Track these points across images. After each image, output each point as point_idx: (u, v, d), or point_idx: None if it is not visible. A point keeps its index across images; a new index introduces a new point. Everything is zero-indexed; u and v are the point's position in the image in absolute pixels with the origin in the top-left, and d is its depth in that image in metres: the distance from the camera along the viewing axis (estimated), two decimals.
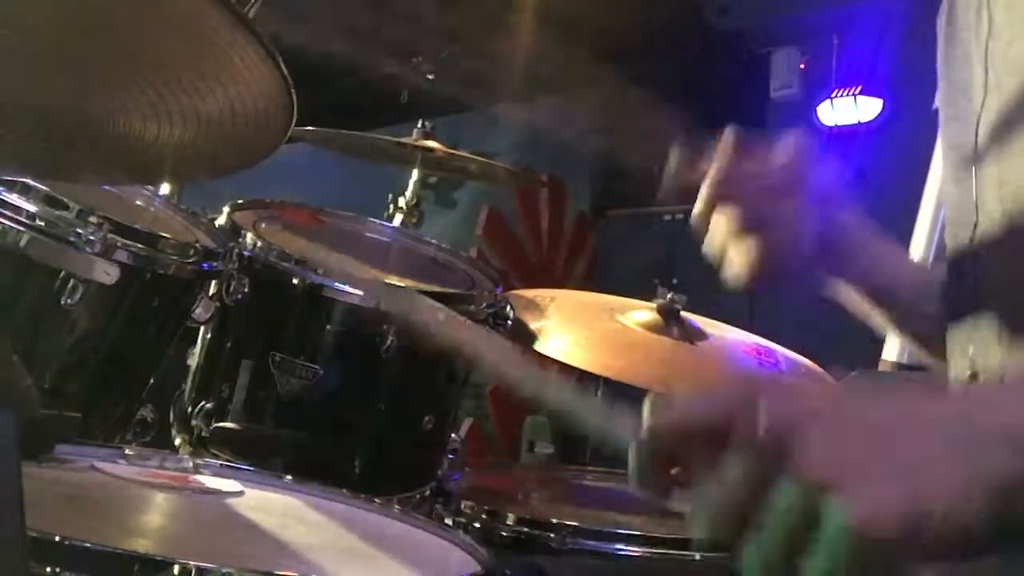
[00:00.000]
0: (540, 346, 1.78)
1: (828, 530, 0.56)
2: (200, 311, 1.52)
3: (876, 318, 1.13)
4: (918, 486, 0.56)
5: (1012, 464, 0.57)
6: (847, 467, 0.57)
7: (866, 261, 1.09)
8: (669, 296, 1.83)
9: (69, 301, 1.34)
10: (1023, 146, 0.88)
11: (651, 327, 1.83)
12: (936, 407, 0.63)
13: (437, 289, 1.67)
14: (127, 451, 1.25)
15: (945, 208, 1.02)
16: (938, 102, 1.03)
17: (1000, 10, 0.92)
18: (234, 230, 1.62)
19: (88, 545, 0.86)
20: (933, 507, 0.56)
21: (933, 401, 0.64)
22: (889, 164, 4.16)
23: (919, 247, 3.05)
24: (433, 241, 1.93)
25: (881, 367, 3.01)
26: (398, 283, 1.61)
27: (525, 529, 1.49)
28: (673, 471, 0.64)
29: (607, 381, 1.91)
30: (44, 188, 1.31)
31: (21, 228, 1.30)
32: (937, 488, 0.56)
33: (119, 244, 1.36)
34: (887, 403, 0.63)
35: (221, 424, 1.57)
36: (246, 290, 1.56)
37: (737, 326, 2.02)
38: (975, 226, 0.92)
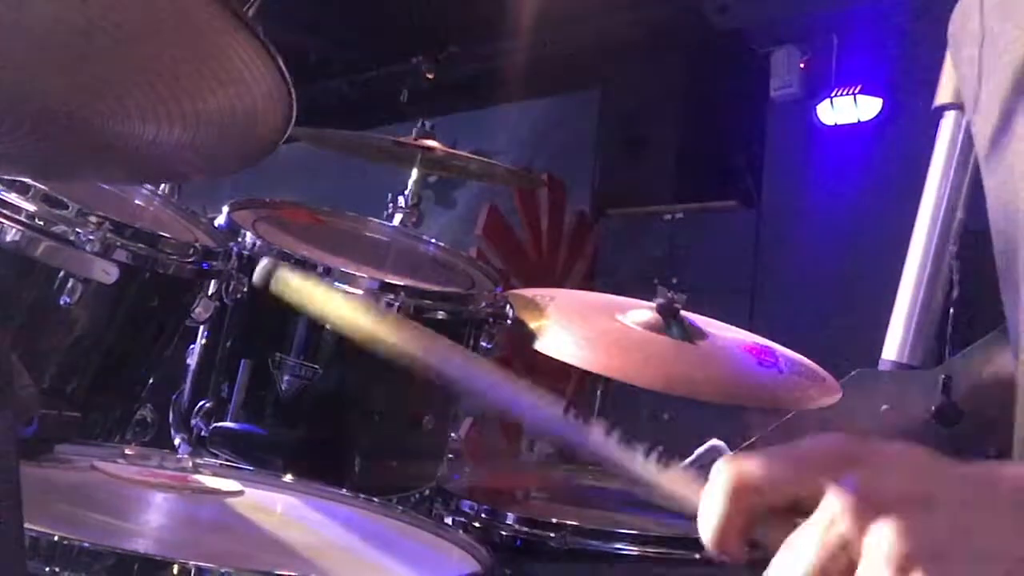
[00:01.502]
0: (540, 346, 1.78)
1: None
2: (200, 311, 1.52)
3: None
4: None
5: None
6: (931, 557, 0.54)
7: None
8: (669, 296, 1.83)
9: (68, 300, 1.34)
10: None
11: (651, 327, 1.83)
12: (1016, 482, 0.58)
13: (437, 289, 1.67)
14: (127, 451, 1.25)
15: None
16: None
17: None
18: (233, 230, 1.62)
19: (88, 545, 0.86)
20: None
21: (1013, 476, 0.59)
22: (889, 164, 4.16)
23: (918, 247, 3.05)
24: (433, 241, 1.93)
25: (881, 367, 3.01)
26: (398, 283, 1.61)
27: (525, 529, 1.49)
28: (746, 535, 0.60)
29: (607, 381, 1.90)
30: (43, 188, 1.31)
31: (20, 228, 1.30)
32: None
33: (118, 243, 1.36)
34: (966, 479, 0.58)
35: (220, 424, 1.57)
36: (246, 290, 1.56)
37: (737, 326, 2.02)
38: None
